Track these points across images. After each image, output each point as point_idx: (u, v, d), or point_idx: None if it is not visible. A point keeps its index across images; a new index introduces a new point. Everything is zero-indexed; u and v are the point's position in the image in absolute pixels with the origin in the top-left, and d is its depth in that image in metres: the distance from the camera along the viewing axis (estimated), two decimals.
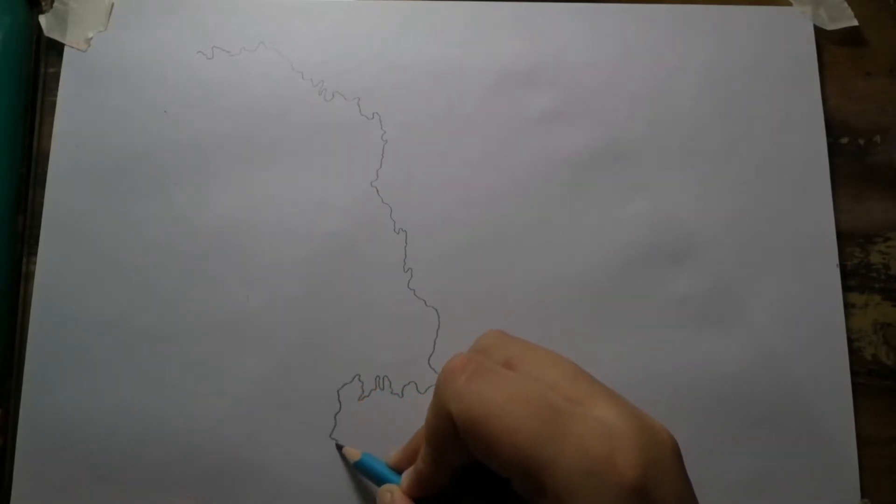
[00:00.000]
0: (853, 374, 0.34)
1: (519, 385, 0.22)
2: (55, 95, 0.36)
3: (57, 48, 0.37)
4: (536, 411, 0.21)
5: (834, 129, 0.37)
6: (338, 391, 0.33)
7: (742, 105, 0.37)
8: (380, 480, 0.29)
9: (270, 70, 0.37)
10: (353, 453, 0.31)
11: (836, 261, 0.35)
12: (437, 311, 0.34)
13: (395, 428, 0.32)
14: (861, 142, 0.37)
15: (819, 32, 0.37)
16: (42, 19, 0.37)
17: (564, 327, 0.34)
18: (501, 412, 0.21)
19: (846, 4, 0.38)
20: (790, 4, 0.38)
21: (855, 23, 0.37)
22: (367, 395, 0.33)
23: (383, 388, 0.33)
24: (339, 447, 0.32)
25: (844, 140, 0.37)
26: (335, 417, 0.33)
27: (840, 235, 0.35)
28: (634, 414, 0.21)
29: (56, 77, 0.36)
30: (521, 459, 0.20)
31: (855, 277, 0.35)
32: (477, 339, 0.26)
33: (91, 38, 0.37)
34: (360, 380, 0.33)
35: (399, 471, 0.29)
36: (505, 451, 0.20)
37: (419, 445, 0.26)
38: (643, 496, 0.19)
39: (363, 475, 0.31)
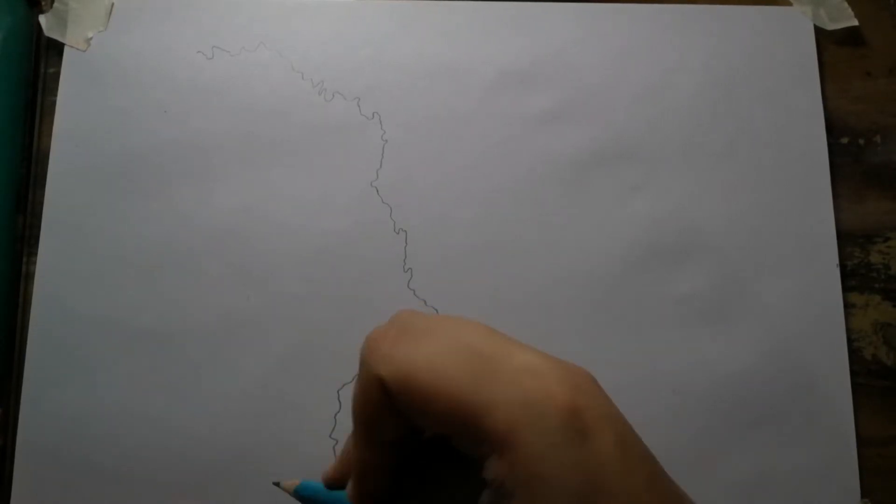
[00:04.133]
0: (853, 374, 0.34)
1: (445, 339, 0.22)
2: (55, 95, 0.36)
3: (57, 48, 0.37)
4: (467, 359, 0.22)
5: (834, 129, 0.37)
6: (338, 391, 0.33)
7: (742, 105, 0.37)
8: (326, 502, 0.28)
9: (270, 70, 0.37)
10: (290, 485, 0.28)
11: (836, 261, 0.35)
12: (437, 311, 0.34)
13: None
14: (861, 142, 0.37)
15: (819, 32, 0.37)
16: (42, 19, 0.37)
17: (565, 327, 0.34)
18: (432, 365, 0.22)
19: (846, 4, 0.38)
20: (790, 4, 0.38)
21: (855, 23, 0.37)
22: None
23: None
24: (276, 484, 0.29)
25: (844, 140, 0.37)
26: (335, 417, 0.33)
27: (840, 235, 0.35)
28: (553, 357, 0.23)
29: (56, 77, 0.36)
30: (459, 407, 0.21)
31: (855, 277, 0.35)
32: (390, 319, 0.27)
33: (91, 38, 0.37)
34: None
35: (342, 483, 0.28)
36: (441, 403, 0.21)
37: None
38: (578, 416, 0.20)
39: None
